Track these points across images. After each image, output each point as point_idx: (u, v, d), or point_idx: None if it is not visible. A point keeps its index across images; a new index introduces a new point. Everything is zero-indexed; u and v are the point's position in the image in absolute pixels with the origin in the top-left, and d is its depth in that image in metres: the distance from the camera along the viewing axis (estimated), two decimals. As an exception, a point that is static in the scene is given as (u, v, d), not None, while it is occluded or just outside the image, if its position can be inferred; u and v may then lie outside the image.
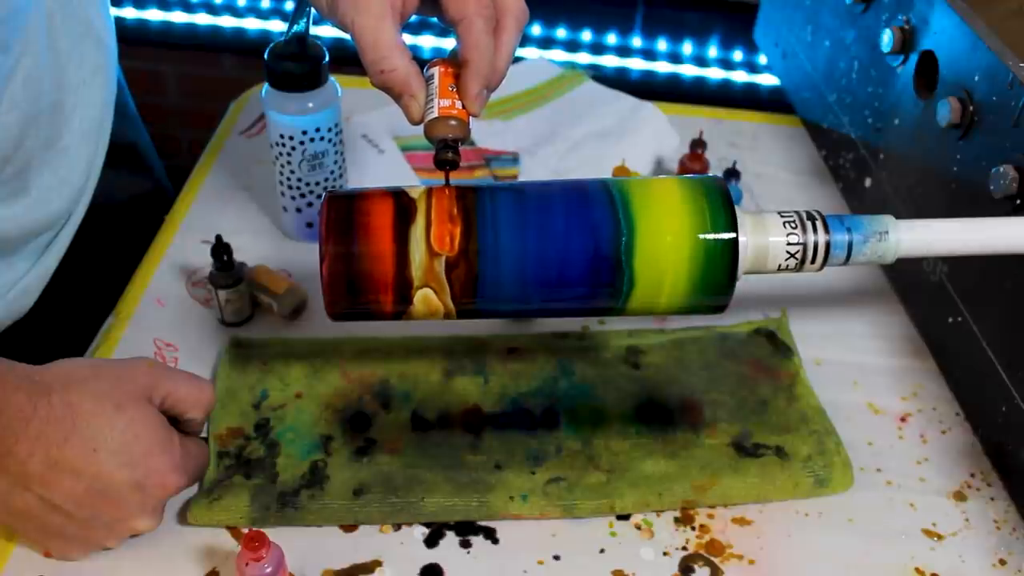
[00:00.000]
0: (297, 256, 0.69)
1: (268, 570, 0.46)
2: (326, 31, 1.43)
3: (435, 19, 0.49)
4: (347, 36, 0.47)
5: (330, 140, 0.65)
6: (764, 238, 0.43)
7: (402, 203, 0.43)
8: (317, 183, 0.67)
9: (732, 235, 0.42)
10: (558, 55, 1.61)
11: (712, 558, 0.51)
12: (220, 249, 0.61)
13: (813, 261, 0.44)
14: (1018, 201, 0.52)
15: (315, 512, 0.51)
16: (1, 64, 0.54)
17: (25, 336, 0.63)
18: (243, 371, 0.59)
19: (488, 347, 0.61)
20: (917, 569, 0.52)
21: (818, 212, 0.44)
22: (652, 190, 0.43)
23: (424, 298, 0.43)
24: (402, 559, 0.51)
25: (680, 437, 0.56)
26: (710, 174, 0.69)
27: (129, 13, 1.70)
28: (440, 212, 0.42)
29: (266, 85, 0.63)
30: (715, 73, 1.62)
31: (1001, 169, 0.52)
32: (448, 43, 1.63)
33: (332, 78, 0.64)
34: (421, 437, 0.56)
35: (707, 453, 0.55)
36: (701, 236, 0.42)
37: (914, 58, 0.64)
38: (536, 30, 1.63)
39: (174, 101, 1.82)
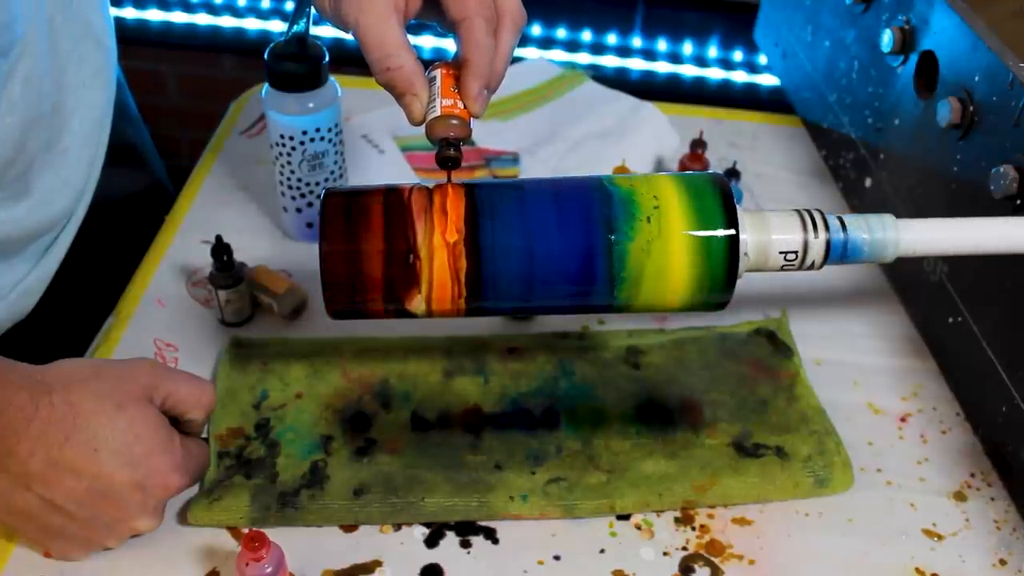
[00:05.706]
0: (297, 256, 0.69)
1: (268, 570, 0.46)
2: (326, 31, 1.43)
3: (435, 23, 0.49)
4: (348, 36, 0.47)
5: (330, 140, 0.65)
6: (765, 236, 0.43)
7: (403, 200, 0.43)
8: (317, 183, 0.67)
9: (733, 232, 0.42)
10: (558, 55, 1.61)
11: (712, 558, 0.51)
12: (220, 249, 0.61)
13: (813, 260, 0.44)
14: (1018, 201, 0.52)
15: (315, 512, 0.51)
16: None
17: (26, 337, 0.63)
18: (243, 371, 0.59)
19: (488, 347, 0.61)
20: (917, 569, 0.52)
21: (818, 211, 0.44)
22: (653, 187, 0.43)
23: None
24: (402, 559, 0.51)
25: (680, 437, 0.56)
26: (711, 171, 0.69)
27: (129, 13, 1.70)
28: (440, 211, 0.42)
29: (266, 85, 0.63)
30: (715, 73, 1.62)
31: (1001, 169, 0.52)
32: (448, 44, 1.63)
33: (332, 78, 0.64)
34: (421, 437, 0.56)
35: (707, 453, 0.55)
36: (702, 233, 0.42)
37: (914, 58, 0.64)
38: (536, 30, 1.63)
39: (174, 101, 1.82)
